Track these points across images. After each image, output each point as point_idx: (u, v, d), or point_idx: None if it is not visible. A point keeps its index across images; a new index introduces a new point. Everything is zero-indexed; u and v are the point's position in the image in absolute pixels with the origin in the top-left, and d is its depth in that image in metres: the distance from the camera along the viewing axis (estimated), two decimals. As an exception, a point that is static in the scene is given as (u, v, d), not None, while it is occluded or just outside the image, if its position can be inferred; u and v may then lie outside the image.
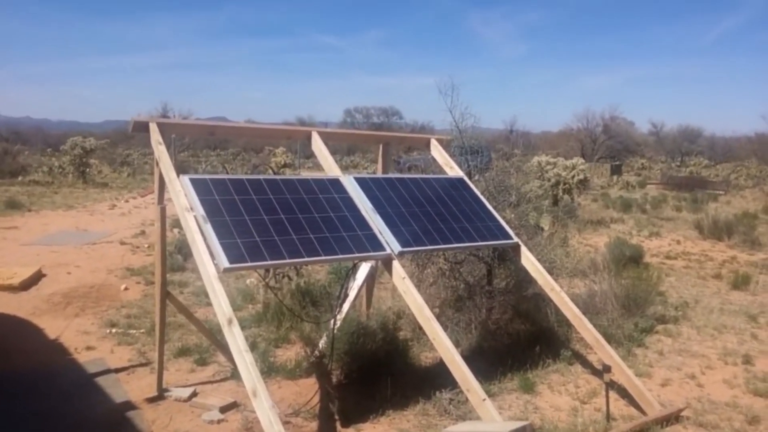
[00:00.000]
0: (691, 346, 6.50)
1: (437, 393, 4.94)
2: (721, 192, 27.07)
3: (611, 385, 4.86)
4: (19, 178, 26.56)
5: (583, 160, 18.71)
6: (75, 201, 19.85)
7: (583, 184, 17.30)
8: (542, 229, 8.56)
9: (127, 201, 20.36)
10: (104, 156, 40.01)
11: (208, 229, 4.10)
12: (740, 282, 9.15)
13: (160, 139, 4.66)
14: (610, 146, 55.69)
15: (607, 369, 4.64)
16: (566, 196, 16.91)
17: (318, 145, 5.43)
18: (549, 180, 16.58)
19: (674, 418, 4.77)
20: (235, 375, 5.40)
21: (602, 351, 5.05)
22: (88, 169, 28.28)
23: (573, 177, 16.78)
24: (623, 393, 5.09)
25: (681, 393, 5.35)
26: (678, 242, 13.61)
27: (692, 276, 10.05)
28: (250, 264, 4.08)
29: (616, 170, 40.85)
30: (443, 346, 4.30)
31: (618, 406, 4.99)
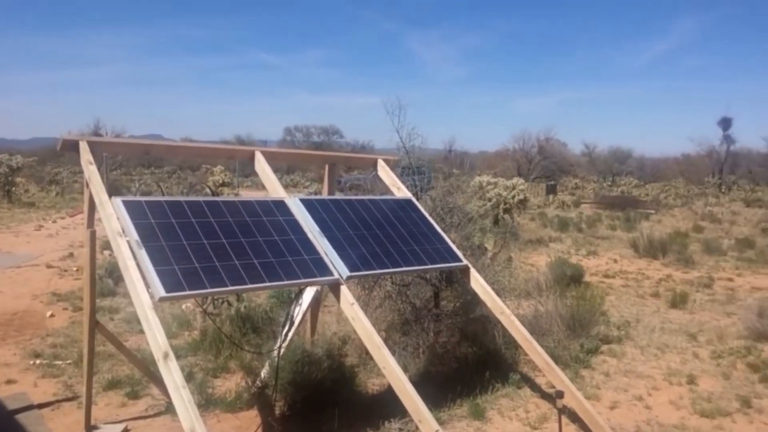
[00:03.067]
0: (636, 366, 6.53)
1: (386, 423, 4.76)
2: (652, 211, 27.95)
3: (562, 409, 4.78)
4: (-63, 197, 25.07)
5: (523, 181, 18.98)
6: (-2, 221, 18.82)
7: (523, 203, 17.53)
8: (486, 249, 8.53)
9: (54, 221, 19.43)
10: (32, 174, 38.24)
11: (143, 255, 3.82)
12: (678, 300, 9.34)
13: (91, 159, 4.35)
14: (545, 166, 57.01)
15: (560, 395, 4.55)
16: (506, 216, 17.08)
17: (262, 166, 5.21)
18: (490, 200, 16.72)
19: (625, 442, 4.73)
20: (169, 409, 5.08)
21: (553, 375, 4.98)
22: (13, 188, 26.90)
23: (513, 197, 16.98)
24: (574, 417, 5.01)
25: (629, 416, 5.32)
26: (615, 261, 13.88)
27: (631, 294, 10.22)
28: (188, 292, 3.80)
29: (551, 190, 41.77)
30: (394, 376, 4.12)
31: (569, 430, 4.92)
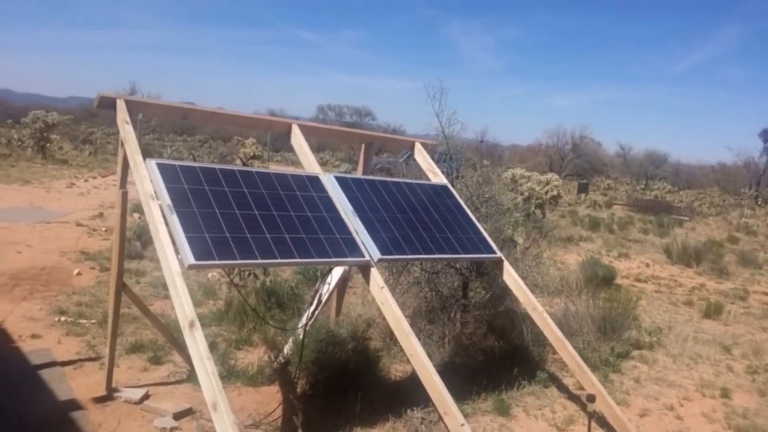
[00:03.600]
0: (667, 375, 6.32)
1: (408, 411, 4.63)
2: (685, 218, 27.40)
3: (592, 414, 4.61)
4: (-26, 149, 25.48)
5: (557, 176, 18.65)
6: (32, 176, 19.05)
7: (555, 200, 17.23)
8: (517, 243, 8.34)
9: (86, 180, 19.62)
10: (66, 132, 38.70)
11: (174, 220, 3.72)
12: (712, 311, 9.06)
13: (128, 118, 4.26)
14: (578, 164, 56.22)
15: (592, 399, 4.38)
16: (537, 211, 16.80)
17: (298, 140, 5.08)
18: (522, 193, 16.44)
19: (655, 453, 4.55)
20: (191, 378, 5.01)
21: (583, 377, 4.81)
22: (48, 145, 27.26)
23: (546, 192, 16.68)
24: (602, 422, 4.84)
25: (660, 425, 5.14)
26: (647, 265, 13.57)
27: (663, 301, 9.95)
28: (217, 262, 3.70)
29: (583, 188, 41.19)
30: (421, 365, 3.99)
31: (596, 436, 4.75)
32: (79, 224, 11.47)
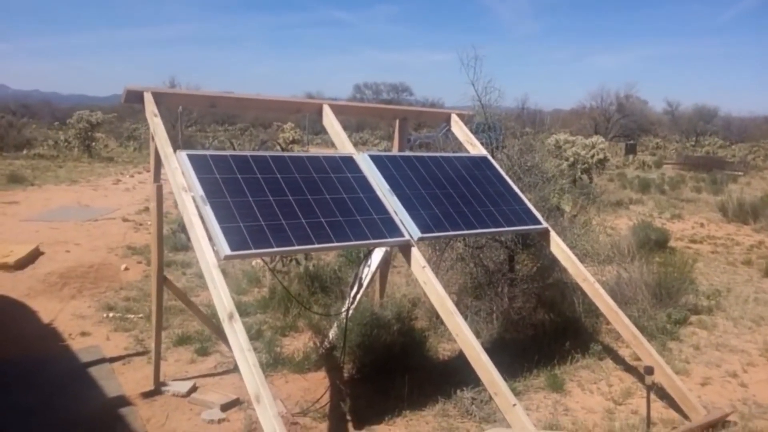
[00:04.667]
0: (728, 339, 6.04)
1: (458, 391, 4.52)
2: (740, 173, 26.41)
3: (651, 387, 4.41)
4: (24, 152, 26.20)
5: (603, 139, 18.11)
6: (79, 175, 19.49)
7: (602, 163, 16.74)
8: (564, 211, 8.09)
9: (132, 176, 19.97)
10: (111, 130, 39.59)
11: (208, 211, 3.65)
12: (774, 269, 8.66)
13: (156, 111, 4.20)
14: (624, 125, 54.80)
15: (650, 371, 4.18)
16: (584, 176, 16.36)
17: (329, 120, 4.95)
18: (567, 159, 16.02)
19: (720, 424, 4.33)
20: (238, 368, 4.98)
21: (640, 348, 4.60)
22: (93, 143, 27.89)
23: (592, 156, 16.21)
24: (662, 394, 4.65)
25: (723, 394, 4.90)
26: (702, 225, 13.09)
27: (721, 262, 9.56)
28: (253, 251, 3.63)
29: (631, 149, 40.15)
30: (468, 345, 3.86)
31: (656, 408, 4.54)
32: (125, 220, 11.65)
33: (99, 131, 29.56)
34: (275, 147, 21.13)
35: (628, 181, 21.25)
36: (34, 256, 8.32)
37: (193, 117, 46.35)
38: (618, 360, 5.47)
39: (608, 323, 5.38)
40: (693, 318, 6.54)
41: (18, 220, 11.16)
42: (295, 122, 38.51)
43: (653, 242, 9.37)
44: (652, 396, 4.56)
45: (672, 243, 10.38)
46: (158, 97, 4.31)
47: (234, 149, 14.66)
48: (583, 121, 54.63)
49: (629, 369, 5.27)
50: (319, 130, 52.88)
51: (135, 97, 4.31)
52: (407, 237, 4.20)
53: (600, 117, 55.24)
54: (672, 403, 4.53)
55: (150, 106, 4.20)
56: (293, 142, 30.44)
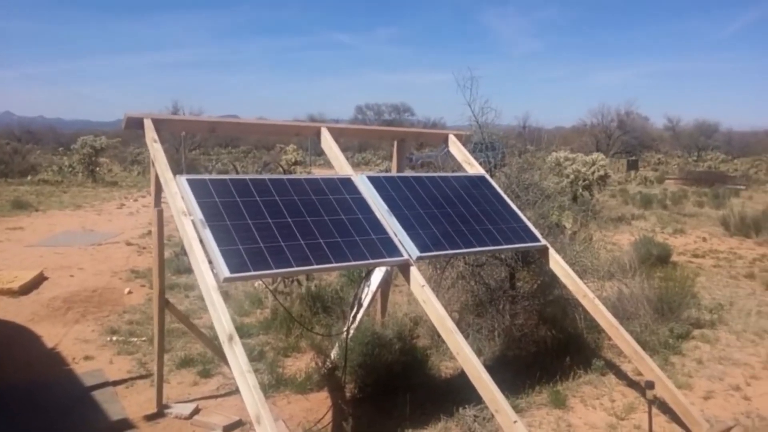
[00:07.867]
0: (731, 353, 6.03)
1: (460, 409, 4.53)
2: (741, 187, 26.40)
3: (652, 401, 4.41)
4: (29, 178, 26.36)
5: (603, 156, 18.16)
6: (83, 200, 19.60)
7: (603, 180, 16.75)
8: (564, 227, 8.12)
9: (135, 200, 20.07)
10: (115, 155, 39.81)
11: (207, 234, 3.70)
12: (776, 282, 8.65)
13: (156, 137, 4.26)
14: (626, 141, 54.84)
15: (650, 385, 4.19)
16: (585, 193, 16.38)
17: (328, 142, 5.02)
18: (567, 176, 16.06)
19: (723, 438, 4.33)
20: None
21: (641, 363, 4.61)
22: (97, 168, 28.05)
23: (593, 173, 16.24)
24: (664, 408, 4.64)
25: (727, 407, 4.89)
26: (704, 239, 13.08)
27: (723, 275, 9.55)
28: (253, 273, 3.66)
29: (633, 165, 40.16)
30: (469, 363, 3.88)
31: (659, 422, 4.54)
32: (128, 243, 11.71)
33: (103, 156, 29.77)
34: (278, 169, 21.24)
35: (630, 197, 21.27)
36: (38, 281, 8.37)
37: (196, 140, 46.57)
38: (620, 375, 5.47)
39: (610, 339, 5.38)
40: (695, 332, 6.53)
41: (23, 246, 11.23)
42: (298, 144, 38.66)
43: (655, 257, 9.38)
44: (656, 410, 4.57)
45: (674, 258, 10.38)
46: (158, 123, 4.38)
47: (237, 172, 14.75)
48: (584, 138, 54.72)
49: (632, 384, 5.27)
50: (321, 151, 53.17)
51: (135, 124, 4.37)
52: (406, 256, 4.24)
53: (601, 134, 55.35)
54: (675, 418, 4.52)
55: (150, 133, 4.27)
56: (296, 163, 30.57)
